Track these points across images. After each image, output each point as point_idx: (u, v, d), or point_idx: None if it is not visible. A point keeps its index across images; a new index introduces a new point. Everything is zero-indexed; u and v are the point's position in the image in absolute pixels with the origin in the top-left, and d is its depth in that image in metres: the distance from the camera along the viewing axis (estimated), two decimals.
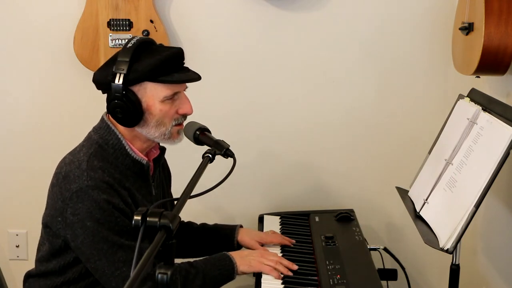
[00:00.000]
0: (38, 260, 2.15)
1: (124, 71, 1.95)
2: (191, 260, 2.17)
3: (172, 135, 2.08)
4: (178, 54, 2.05)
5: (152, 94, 2.01)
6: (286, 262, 2.21)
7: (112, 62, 2.01)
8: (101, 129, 2.08)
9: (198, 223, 2.52)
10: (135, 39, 2.02)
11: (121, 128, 2.06)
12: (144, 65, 1.97)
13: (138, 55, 1.99)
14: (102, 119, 2.10)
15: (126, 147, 2.05)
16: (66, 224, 1.99)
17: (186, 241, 2.42)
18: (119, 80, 1.96)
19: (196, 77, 2.07)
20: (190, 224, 2.48)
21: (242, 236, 2.42)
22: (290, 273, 2.18)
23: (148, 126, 2.04)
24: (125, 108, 1.99)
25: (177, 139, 2.11)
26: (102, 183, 1.97)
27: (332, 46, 2.91)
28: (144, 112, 2.01)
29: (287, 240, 2.43)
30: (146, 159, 2.10)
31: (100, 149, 2.05)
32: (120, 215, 1.98)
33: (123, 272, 1.97)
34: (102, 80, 2.01)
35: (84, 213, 1.95)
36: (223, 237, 2.43)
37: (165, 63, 2.00)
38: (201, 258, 2.20)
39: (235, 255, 2.20)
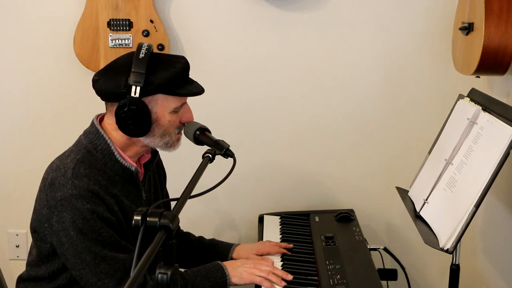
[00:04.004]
0: (29, 264, 2.16)
1: (141, 84, 1.94)
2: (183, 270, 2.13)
3: (174, 143, 2.09)
4: (188, 66, 2.06)
5: (163, 105, 2.01)
6: (280, 272, 2.17)
7: (122, 71, 1.98)
8: (91, 133, 2.06)
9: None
10: (145, 48, 1.99)
11: (114, 133, 2.05)
12: (160, 77, 1.97)
13: (153, 67, 1.98)
14: (92, 123, 2.08)
15: (115, 153, 2.04)
16: (52, 231, 1.99)
17: (180, 253, 2.39)
18: (135, 93, 1.95)
19: (202, 89, 2.09)
20: (187, 235, 2.46)
21: (238, 254, 2.38)
22: (284, 284, 2.13)
23: (154, 136, 2.04)
24: (137, 120, 1.98)
25: (176, 146, 2.11)
26: (87, 192, 1.95)
27: (332, 46, 2.91)
28: (153, 123, 2.01)
29: (284, 249, 2.39)
30: (135, 165, 2.09)
31: (88, 154, 2.03)
32: (104, 225, 1.96)
33: (105, 284, 1.96)
34: (112, 90, 1.99)
35: (68, 222, 1.94)
36: (217, 254, 2.38)
37: (179, 76, 2.01)
38: (194, 268, 2.16)
39: (227, 265, 2.17)
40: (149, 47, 2.00)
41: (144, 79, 1.95)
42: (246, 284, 2.16)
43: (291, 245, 2.42)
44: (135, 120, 1.98)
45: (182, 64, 2.03)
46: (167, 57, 2.08)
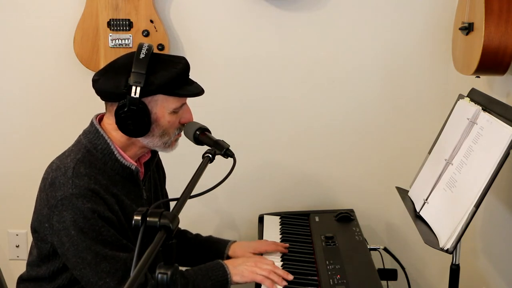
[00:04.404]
0: (29, 264, 2.16)
1: (142, 84, 1.94)
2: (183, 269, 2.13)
3: (172, 144, 2.09)
4: (188, 66, 2.06)
5: (163, 106, 2.01)
6: (280, 272, 2.17)
7: (122, 71, 1.98)
8: (90, 133, 2.06)
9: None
10: (145, 48, 1.99)
11: (113, 133, 2.05)
12: (160, 78, 1.97)
13: (153, 67, 1.98)
14: (92, 123, 2.08)
15: (115, 152, 2.04)
16: (53, 230, 1.99)
17: (178, 250, 2.37)
18: (135, 93, 1.95)
19: (202, 90, 2.09)
20: (184, 232, 2.46)
21: (235, 251, 2.38)
22: (285, 283, 2.13)
23: (153, 136, 2.04)
24: (137, 120, 1.98)
25: (174, 146, 2.11)
26: (88, 191, 1.95)
27: (332, 46, 2.91)
28: (152, 123, 2.01)
29: (281, 247, 2.39)
30: (136, 164, 2.09)
31: (88, 154, 2.03)
32: (105, 225, 1.96)
33: (106, 283, 1.96)
34: (112, 90, 1.99)
35: (68, 221, 1.94)
36: (213, 252, 2.38)
37: (179, 76, 2.01)
38: (195, 267, 2.16)
39: (228, 264, 2.17)
40: (150, 47, 2.00)
41: (145, 80, 1.95)
42: (247, 282, 2.16)
43: (286, 245, 2.42)
44: (135, 120, 1.98)
45: (182, 65, 2.03)
46: (167, 57, 2.08)
